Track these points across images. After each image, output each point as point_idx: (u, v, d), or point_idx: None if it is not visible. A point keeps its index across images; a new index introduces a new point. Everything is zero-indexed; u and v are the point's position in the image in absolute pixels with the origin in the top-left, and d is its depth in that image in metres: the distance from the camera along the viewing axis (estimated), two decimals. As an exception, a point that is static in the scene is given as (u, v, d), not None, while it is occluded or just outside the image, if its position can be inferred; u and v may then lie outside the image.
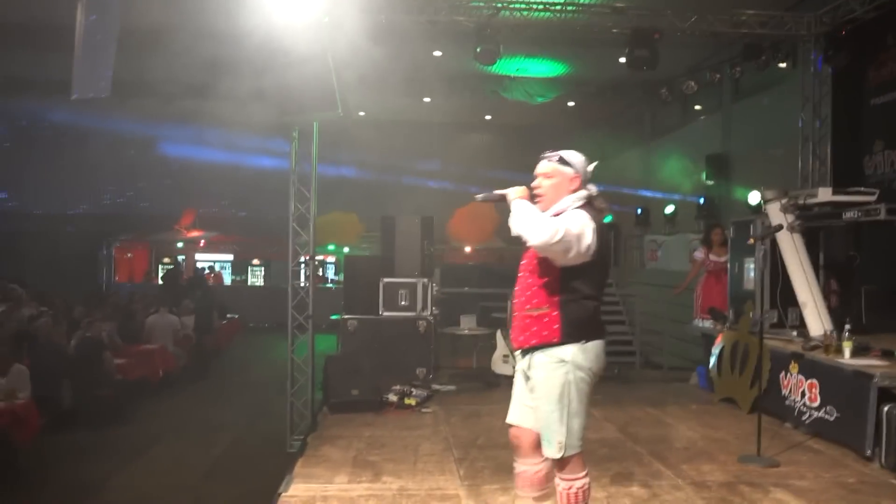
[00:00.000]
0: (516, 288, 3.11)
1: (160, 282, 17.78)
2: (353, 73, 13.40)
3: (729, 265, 7.19)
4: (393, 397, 6.24)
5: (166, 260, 19.20)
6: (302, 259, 7.26)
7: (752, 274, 6.73)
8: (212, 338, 11.81)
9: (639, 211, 16.12)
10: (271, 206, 18.48)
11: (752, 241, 6.07)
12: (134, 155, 19.88)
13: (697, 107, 15.16)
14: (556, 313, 2.94)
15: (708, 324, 7.29)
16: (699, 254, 8.05)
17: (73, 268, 17.12)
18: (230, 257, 19.63)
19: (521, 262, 3.12)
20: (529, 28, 8.49)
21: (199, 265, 19.45)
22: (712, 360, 6.76)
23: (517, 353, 3.13)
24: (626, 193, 17.41)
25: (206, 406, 9.14)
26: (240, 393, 9.92)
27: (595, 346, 2.99)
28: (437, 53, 13.62)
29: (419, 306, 7.42)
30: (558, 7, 8.55)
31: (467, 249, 18.15)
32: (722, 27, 8.33)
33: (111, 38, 8.92)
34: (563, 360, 2.93)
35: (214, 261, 19.42)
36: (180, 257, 19.22)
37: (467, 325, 8.86)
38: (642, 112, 17.48)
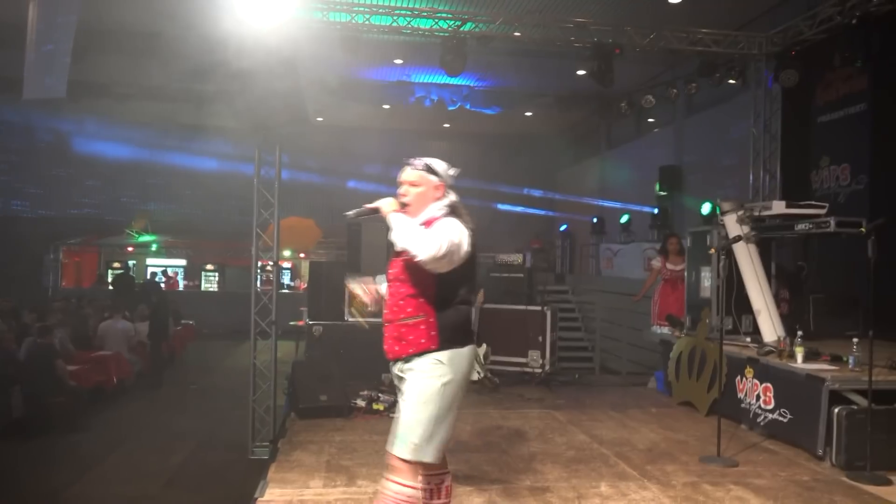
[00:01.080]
0: (390, 297, 3.05)
1: (110, 287, 17.30)
2: (313, 80, 13.41)
3: (686, 273, 7.43)
4: (361, 402, 6.25)
5: (116, 264, 18.70)
6: (259, 264, 7.22)
7: (708, 282, 6.98)
8: (167, 344, 11.58)
9: (594, 220, 16.48)
10: (226, 211, 18.29)
11: (713, 250, 6.31)
12: (81, 156, 19.35)
13: (651, 120, 15.62)
14: (432, 320, 2.91)
15: (665, 330, 7.51)
16: (656, 262, 8.29)
17: (16, 272, 16.53)
18: (183, 262, 19.24)
19: (389, 271, 3.07)
20: (494, 40, 8.64)
21: (150, 270, 19.00)
22: (670, 366, 6.98)
23: (391, 363, 3.06)
24: (581, 202, 17.80)
25: (163, 413, 8.96)
26: (198, 400, 9.76)
27: (469, 351, 2.98)
28: (398, 62, 13.72)
29: (384, 312, 7.45)
30: (523, 20, 8.76)
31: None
32: (679, 44, 8.65)
33: (67, 37, 8.70)
34: (440, 362, 2.90)
35: (167, 265, 19.00)
36: (131, 262, 18.75)
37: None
38: (598, 124, 17.89)
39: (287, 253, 18.12)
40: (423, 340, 2.91)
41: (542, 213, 19.88)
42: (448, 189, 3.09)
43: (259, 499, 4.08)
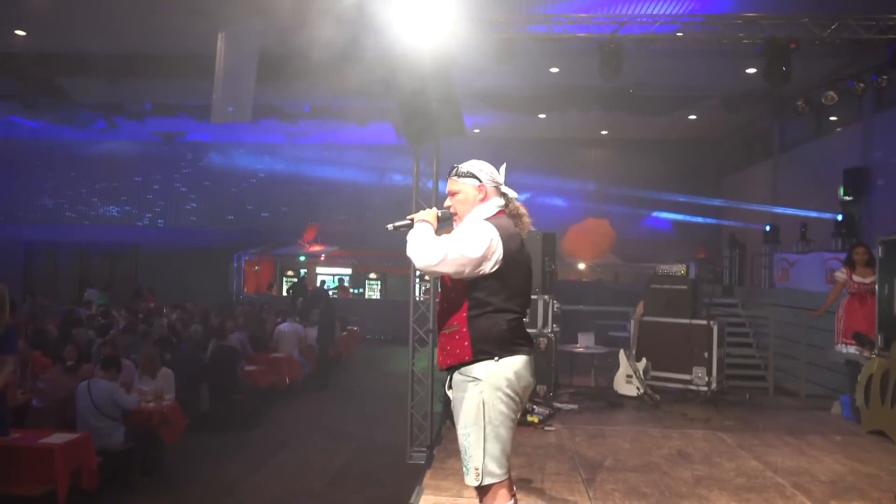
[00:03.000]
0: (437, 306, 3.06)
1: (285, 293, 18.66)
2: (470, 92, 13.63)
3: (877, 287, 6.67)
4: (514, 414, 6.21)
5: (290, 273, 20.16)
6: (418, 273, 7.41)
7: (903, 297, 6.23)
8: (333, 348, 12.24)
9: (767, 227, 15.32)
10: (386, 222, 19.13)
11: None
12: (261, 172, 21.21)
13: (833, 118, 14.29)
14: (465, 330, 2.83)
15: (852, 350, 6.78)
16: (841, 274, 7.51)
17: (207, 279, 18.36)
18: (348, 271, 20.32)
19: (442, 279, 3.03)
20: (654, 41, 8.31)
21: (320, 278, 20.29)
22: (858, 389, 6.28)
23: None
24: (751, 209, 16.64)
25: (328, 414, 9.47)
26: (360, 403, 10.21)
27: (512, 362, 2.82)
28: (554, 70, 13.59)
29: (540, 323, 7.36)
30: (685, 19, 8.34)
31: (581, 266, 17.86)
32: (866, 33, 7.79)
33: (251, 67, 9.47)
34: (476, 379, 2.80)
35: (333, 274, 20.19)
36: (302, 270, 20.13)
37: (585, 342, 8.71)
38: (770, 124, 16.68)
39: (581, 266, 17.59)
40: (458, 352, 2.86)
41: (707, 221, 18.82)
42: (496, 190, 3.02)
43: (415, 504, 4.16)
